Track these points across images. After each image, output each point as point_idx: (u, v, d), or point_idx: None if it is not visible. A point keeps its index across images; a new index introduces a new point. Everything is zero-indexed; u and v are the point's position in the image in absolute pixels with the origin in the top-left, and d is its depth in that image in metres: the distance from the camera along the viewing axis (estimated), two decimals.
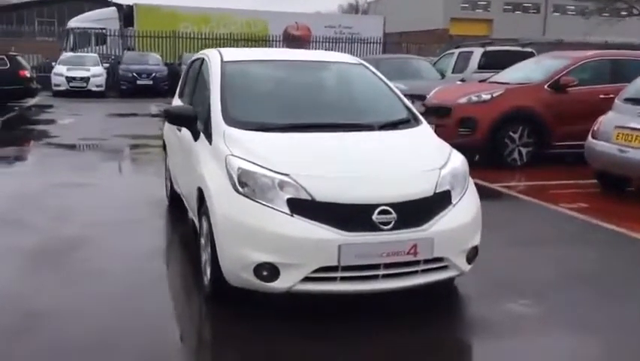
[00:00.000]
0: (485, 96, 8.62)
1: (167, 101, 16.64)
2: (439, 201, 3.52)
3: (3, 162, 8.89)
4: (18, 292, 3.87)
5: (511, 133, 8.44)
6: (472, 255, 3.68)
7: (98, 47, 24.89)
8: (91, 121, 13.67)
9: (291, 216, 3.27)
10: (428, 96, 9.56)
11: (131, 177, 7.55)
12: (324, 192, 3.31)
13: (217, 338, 3.54)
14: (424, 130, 4.25)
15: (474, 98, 8.68)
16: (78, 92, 19.18)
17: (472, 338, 3.59)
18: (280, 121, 4.03)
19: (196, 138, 4.17)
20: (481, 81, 9.96)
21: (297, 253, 3.25)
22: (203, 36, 25.88)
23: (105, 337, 3.30)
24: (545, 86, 8.61)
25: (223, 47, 25.44)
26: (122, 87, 20.55)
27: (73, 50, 24.23)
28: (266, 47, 26.99)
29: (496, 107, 8.48)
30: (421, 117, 4.41)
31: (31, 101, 17.51)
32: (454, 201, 3.59)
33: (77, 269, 4.33)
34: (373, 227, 3.29)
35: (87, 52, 23.48)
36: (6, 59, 15.32)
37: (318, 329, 3.43)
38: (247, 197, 3.35)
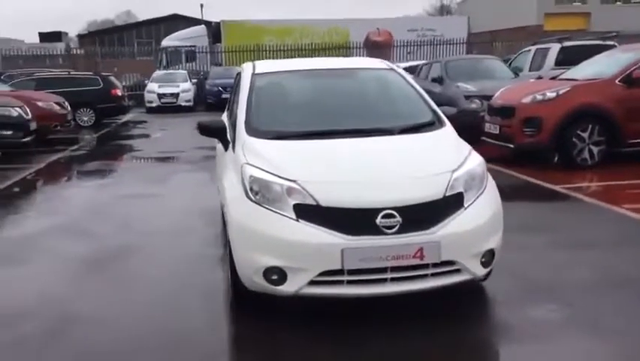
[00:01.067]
0: (550, 94, 8.30)
1: None
2: (449, 204, 3.50)
3: (87, 175, 9.64)
4: (59, 297, 4.20)
5: (579, 132, 8.06)
6: (488, 259, 3.62)
7: (188, 64, 26.16)
8: (176, 135, 14.46)
9: (297, 221, 3.37)
10: (494, 96, 9.34)
11: (196, 187, 7.91)
12: (329, 197, 3.39)
13: (235, 341, 3.69)
14: (446, 132, 4.22)
15: (538, 97, 8.38)
16: (169, 107, 20.28)
17: (484, 342, 3.53)
18: (299, 129, 4.15)
19: (226, 148, 4.38)
20: (552, 78, 9.60)
21: (301, 257, 3.35)
22: (286, 48, 26.53)
23: (127, 341, 3.53)
24: (617, 81, 8.16)
25: (305, 57, 26.13)
26: (208, 101, 21.42)
27: (166, 67, 25.62)
28: (347, 54, 27.37)
29: (562, 105, 8.14)
30: (445, 119, 4.38)
31: (125, 118, 18.71)
32: (466, 204, 3.55)
33: (122, 276, 4.63)
34: (377, 231, 3.32)
35: (178, 69, 24.75)
36: (99, 79, 16.49)
37: (336, 332, 3.52)
38: (258, 204, 3.49)
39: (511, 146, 8.60)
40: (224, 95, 20.80)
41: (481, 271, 3.59)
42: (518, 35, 33.07)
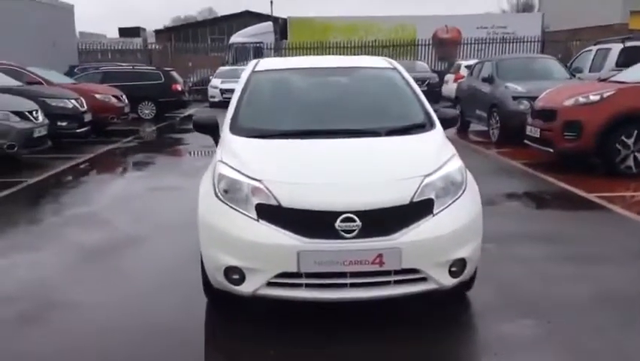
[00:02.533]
0: (594, 97, 7.87)
1: None
2: (415, 211, 3.38)
3: (128, 166, 10.05)
4: (51, 284, 4.38)
5: (624, 138, 7.61)
6: (458, 269, 3.47)
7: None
8: None
9: (257, 221, 3.36)
10: (538, 98, 8.96)
11: None
12: (290, 197, 3.36)
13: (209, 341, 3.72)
14: (432, 135, 4.08)
15: (581, 100, 7.97)
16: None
17: (441, 354, 3.39)
18: (282, 128, 4.13)
19: (216, 145, 4.43)
20: (601, 80, 9.11)
21: (258, 257, 3.33)
22: (351, 45, 26.48)
23: (99, 334, 3.63)
24: None
25: (370, 54, 25.97)
26: None
27: (233, 63, 26.13)
28: (414, 51, 27.01)
29: (605, 109, 7.71)
30: (436, 122, 4.23)
31: (187, 112, 19.25)
32: (436, 210, 3.43)
33: (119, 266, 4.78)
34: (335, 235, 3.26)
35: (246, 65, 25.16)
36: (161, 74, 17.04)
37: (319, 338, 3.49)
38: (223, 202, 3.50)
39: (551, 150, 8.23)
40: None
41: (448, 281, 3.45)
42: (600, 34, 31.50)
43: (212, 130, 4.54)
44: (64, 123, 10.98)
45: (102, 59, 29.10)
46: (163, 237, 5.51)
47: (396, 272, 3.34)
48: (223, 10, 47.98)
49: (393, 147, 3.92)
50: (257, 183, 3.45)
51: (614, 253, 4.88)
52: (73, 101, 11.33)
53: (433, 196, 3.45)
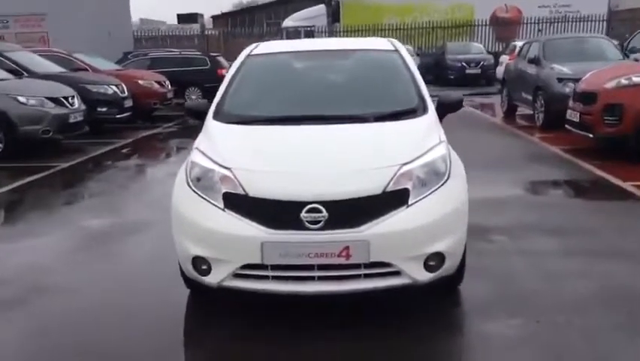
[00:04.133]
0: (637, 79, 7.33)
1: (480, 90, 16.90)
2: (388, 201, 3.18)
3: (159, 152, 10.22)
4: (44, 267, 4.44)
5: None
6: (436, 263, 3.25)
7: None
8: None
9: (223, 211, 3.25)
10: (580, 80, 8.43)
11: None
12: (257, 187, 3.23)
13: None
14: (423, 121, 3.84)
15: (623, 82, 7.44)
16: None
17: (415, 351, 3.19)
18: (265, 114, 4.00)
19: None
20: None
21: (223, 248, 3.23)
22: (405, 26, 25.91)
23: (80, 311, 3.66)
24: None
25: (424, 35, 25.26)
26: (449, 77, 21.16)
27: None
28: (471, 32, 26.17)
29: None
30: (430, 107, 3.99)
31: None
32: (411, 201, 3.22)
33: (114, 252, 4.80)
34: (300, 226, 3.11)
35: None
36: (207, 59, 17.16)
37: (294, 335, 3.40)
38: (193, 190, 3.41)
39: (590, 135, 7.74)
40: (467, 71, 20.91)
41: (423, 276, 3.24)
42: None
43: (201, 115, 4.44)
44: (104, 109, 11.20)
45: (161, 45, 29.65)
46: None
47: (367, 265, 3.16)
48: None
49: (375, 134, 3.70)
50: (226, 172, 3.33)
51: (635, 248, 4.51)
52: (113, 87, 11.54)
53: (409, 186, 3.24)
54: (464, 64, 20.78)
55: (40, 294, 3.95)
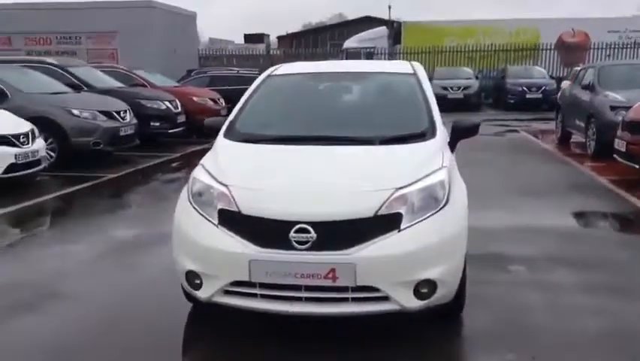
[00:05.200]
0: None
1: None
2: (378, 225, 3.15)
3: None
4: (62, 273, 4.62)
5: None
6: (427, 290, 3.18)
7: None
8: None
9: (217, 227, 3.30)
10: (630, 109, 8.09)
11: None
12: (250, 205, 3.26)
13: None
14: (429, 145, 3.78)
15: None
16: None
17: None
18: (273, 133, 4.05)
19: None
20: None
21: (213, 264, 3.28)
22: (467, 49, 25.59)
23: (84, 327, 3.78)
24: None
25: (486, 58, 24.81)
26: (509, 101, 20.64)
27: None
28: (535, 56, 25.58)
29: None
30: (438, 131, 3.93)
31: None
32: (403, 226, 3.17)
33: (138, 261, 4.94)
34: (288, 245, 3.12)
35: None
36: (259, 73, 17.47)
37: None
38: (192, 205, 3.48)
39: (637, 166, 7.39)
40: (528, 96, 20.29)
41: (413, 303, 3.17)
42: None
43: (217, 133, 4.54)
44: (157, 123, 11.60)
45: (227, 63, 30.44)
46: None
47: (354, 289, 3.14)
48: (353, 16, 48.53)
49: (377, 157, 3.68)
50: (223, 188, 3.40)
51: None
52: (167, 102, 11.94)
53: (402, 211, 3.20)
54: (525, 88, 20.25)
55: (48, 300, 4.10)
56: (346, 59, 26.97)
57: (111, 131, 9.53)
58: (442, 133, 3.94)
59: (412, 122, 4.08)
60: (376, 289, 3.14)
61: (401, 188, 3.26)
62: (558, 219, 6.15)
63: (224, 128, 4.20)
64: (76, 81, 11.23)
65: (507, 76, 21.38)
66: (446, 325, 3.64)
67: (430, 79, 19.85)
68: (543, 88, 20.06)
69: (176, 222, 3.55)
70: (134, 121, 10.21)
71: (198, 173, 3.65)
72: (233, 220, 3.27)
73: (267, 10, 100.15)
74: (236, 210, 3.28)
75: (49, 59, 12.12)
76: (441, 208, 3.30)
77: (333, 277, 3.09)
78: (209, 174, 3.57)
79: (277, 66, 5.00)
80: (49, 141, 9.04)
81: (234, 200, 3.30)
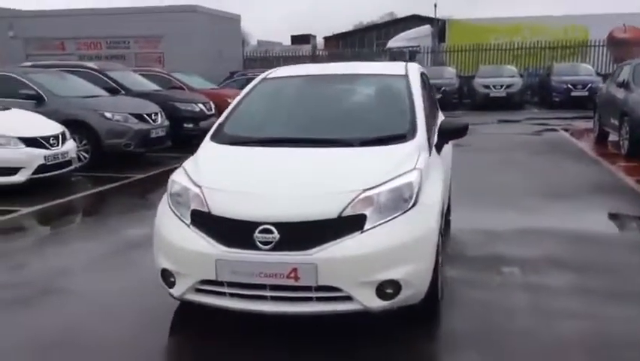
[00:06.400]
0: None
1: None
2: (341, 226, 3.19)
3: None
4: (68, 271, 4.83)
5: None
6: (391, 291, 3.20)
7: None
8: None
9: (188, 227, 3.41)
10: None
11: None
12: (219, 205, 3.36)
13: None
14: (405, 147, 3.77)
15: None
16: None
17: None
18: (256, 135, 4.15)
19: None
20: None
21: (184, 262, 3.40)
22: (512, 47, 25.07)
23: (81, 313, 3.97)
24: None
25: (532, 56, 24.17)
26: (554, 99, 20.22)
27: None
28: (585, 53, 24.84)
29: None
30: (419, 133, 3.92)
31: None
32: (367, 227, 3.20)
33: (139, 261, 5.10)
34: (252, 245, 3.20)
35: None
36: None
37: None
38: (170, 206, 3.62)
39: None
40: (573, 93, 19.77)
41: (376, 304, 3.21)
42: None
43: None
44: (190, 125, 11.86)
45: (274, 65, 30.78)
46: None
47: (317, 289, 3.19)
48: (403, 15, 48.08)
49: (350, 158, 3.72)
50: (197, 190, 3.51)
51: None
52: (200, 105, 12.22)
53: (367, 212, 3.24)
54: (570, 86, 19.67)
55: (47, 295, 4.31)
56: (390, 58, 26.88)
57: (142, 133, 9.84)
58: (422, 135, 3.93)
59: (394, 124, 4.09)
60: (338, 289, 3.18)
61: (368, 189, 3.30)
62: (569, 220, 6.03)
63: (212, 130, 4.32)
64: (114, 85, 11.65)
65: (552, 73, 20.82)
66: (421, 327, 3.63)
67: (473, 77, 19.67)
68: (589, 85, 19.42)
69: (156, 222, 3.69)
70: (166, 123, 10.51)
71: (177, 175, 3.78)
72: (203, 221, 3.38)
73: (318, 11, 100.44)
74: (207, 210, 3.39)
75: (89, 64, 12.60)
76: (408, 209, 3.31)
77: (295, 277, 3.16)
78: (188, 175, 3.70)
79: (273, 69, 5.09)
80: (83, 142, 9.45)
81: (205, 201, 3.41)
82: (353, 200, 3.25)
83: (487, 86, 20.36)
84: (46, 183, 7.77)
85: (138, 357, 3.45)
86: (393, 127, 4.05)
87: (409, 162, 3.59)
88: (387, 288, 3.20)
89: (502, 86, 20.44)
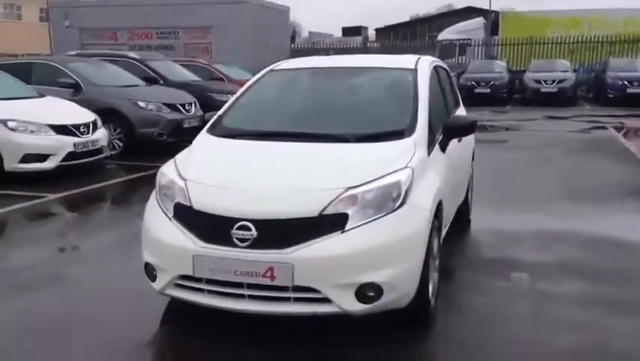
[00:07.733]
0: None
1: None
2: (322, 225, 3.07)
3: None
4: (76, 258, 4.91)
5: None
6: (371, 294, 3.06)
7: (460, 57, 25.74)
8: None
9: (170, 220, 3.35)
10: None
11: None
12: (200, 200, 3.29)
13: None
14: (401, 144, 3.59)
15: None
16: None
17: None
18: (252, 128, 4.06)
19: None
20: None
21: (163, 257, 3.35)
22: (569, 40, 24.15)
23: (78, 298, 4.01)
24: None
25: (590, 50, 23.19)
26: (608, 95, 19.28)
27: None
28: None
29: None
30: (418, 130, 3.73)
31: None
32: (349, 227, 3.07)
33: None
34: (229, 242, 3.12)
35: (452, 62, 24.51)
36: None
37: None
38: (156, 199, 3.57)
39: None
40: (629, 90, 18.73)
41: (355, 307, 3.07)
42: None
43: None
44: None
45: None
46: None
47: (294, 289, 3.08)
48: (461, 6, 46.73)
49: (340, 155, 3.58)
50: (182, 183, 3.45)
51: None
52: (230, 96, 12.22)
53: (349, 211, 3.11)
54: (626, 82, 18.72)
55: (49, 282, 4.35)
56: (439, 50, 26.35)
57: (175, 122, 9.90)
58: (421, 132, 3.74)
59: (394, 119, 3.92)
60: (315, 290, 3.06)
61: (352, 187, 3.16)
62: (591, 224, 5.72)
63: (209, 123, 4.26)
64: (153, 75, 11.79)
65: (608, 69, 19.88)
66: (415, 331, 3.47)
67: (524, 72, 18.99)
68: None
69: (144, 215, 3.65)
70: (199, 113, 10.53)
71: (166, 167, 3.73)
72: (185, 215, 3.32)
73: (377, 2, 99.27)
74: (189, 205, 3.32)
75: (131, 54, 12.81)
76: (394, 210, 3.16)
77: (271, 276, 3.06)
78: (176, 168, 3.64)
79: (281, 61, 4.97)
80: (118, 131, 9.61)
81: (188, 194, 3.35)
82: (335, 198, 3.12)
83: (538, 81, 19.66)
84: (78, 170, 7.92)
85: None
86: (392, 123, 3.89)
87: (401, 160, 3.43)
88: (367, 291, 3.06)
89: (553, 81, 19.69)
